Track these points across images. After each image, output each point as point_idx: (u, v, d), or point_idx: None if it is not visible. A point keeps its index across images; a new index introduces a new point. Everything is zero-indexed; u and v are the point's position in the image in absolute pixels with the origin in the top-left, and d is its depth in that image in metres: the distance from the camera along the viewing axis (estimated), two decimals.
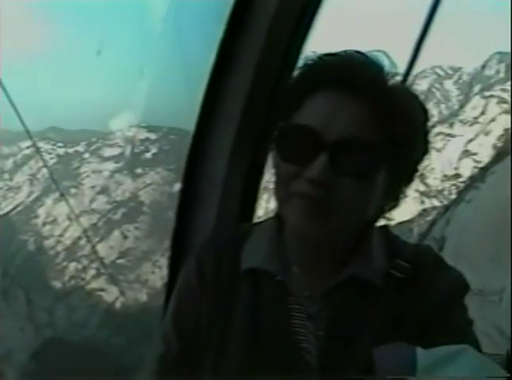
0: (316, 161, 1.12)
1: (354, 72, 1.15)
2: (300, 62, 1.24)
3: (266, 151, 1.77)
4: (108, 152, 47.78)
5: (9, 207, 46.08)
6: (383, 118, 1.14)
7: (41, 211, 45.70)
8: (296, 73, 1.24)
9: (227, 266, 1.29)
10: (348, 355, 1.16)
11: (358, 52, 1.19)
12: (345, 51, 1.20)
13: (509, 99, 35.39)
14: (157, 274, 41.16)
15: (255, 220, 1.91)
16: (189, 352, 1.30)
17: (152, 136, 46.99)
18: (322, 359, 1.19)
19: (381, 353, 1.10)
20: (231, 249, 1.30)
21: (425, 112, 1.21)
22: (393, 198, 1.25)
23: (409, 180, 1.25)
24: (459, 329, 1.17)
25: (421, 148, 1.21)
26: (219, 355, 1.24)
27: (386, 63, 1.23)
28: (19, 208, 46.16)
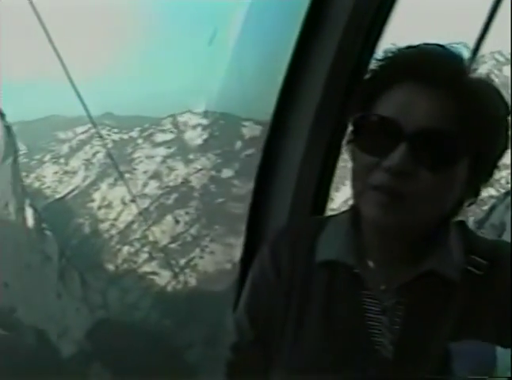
0: (395, 151, 1.12)
1: (434, 65, 1.14)
2: (379, 54, 1.24)
3: (340, 144, 1.78)
4: (160, 138, 48.29)
5: (65, 191, 47.19)
6: (462, 110, 1.13)
7: (96, 195, 46.63)
8: (375, 65, 1.23)
9: (302, 256, 1.29)
10: (424, 351, 1.16)
11: (438, 45, 1.18)
12: (424, 44, 1.19)
13: None
14: (206, 259, 41.57)
15: (327, 212, 1.91)
16: (263, 341, 1.31)
17: (204, 122, 47.26)
18: (397, 354, 1.19)
19: (460, 350, 1.11)
20: (306, 240, 1.31)
21: (506, 106, 1.19)
22: (472, 193, 1.24)
23: (488, 176, 1.23)
24: None
25: (501, 143, 1.19)
26: (293, 344, 1.25)
27: (466, 55, 1.22)
28: (75, 192, 47.25)
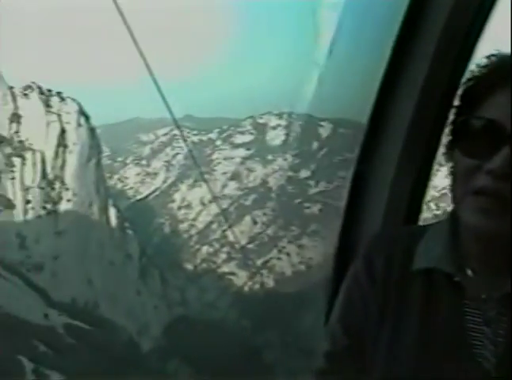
0: (498, 154, 1.06)
1: None
2: (481, 60, 1.18)
3: (436, 152, 1.70)
4: (239, 139, 48.97)
5: (147, 192, 48.67)
6: None
7: (176, 196, 47.84)
8: (477, 70, 1.18)
9: (398, 265, 1.24)
10: None
11: None
12: None
13: None
14: (283, 260, 41.74)
15: (420, 222, 1.84)
16: (356, 350, 1.27)
17: (282, 122, 47.54)
18: (500, 367, 1.12)
19: None
20: (402, 247, 1.25)
21: None
22: None
23: None
24: None
25: None
26: (389, 354, 1.20)
27: None
28: (156, 193, 48.65)
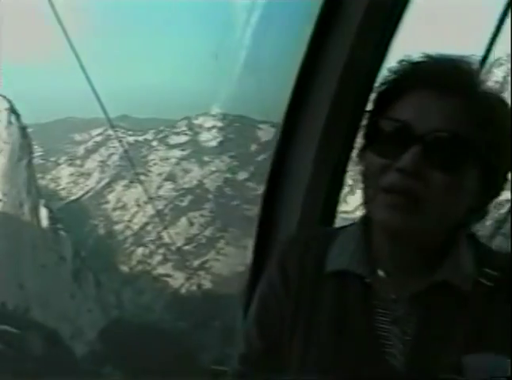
0: (408, 152, 1.12)
1: (447, 74, 1.15)
2: (394, 63, 1.24)
3: (350, 153, 1.76)
4: (174, 140, 48.49)
5: (81, 192, 47.52)
6: (473, 119, 1.13)
7: (111, 197, 46.91)
8: (389, 73, 1.24)
9: (312, 267, 1.28)
10: (435, 362, 1.14)
11: (450, 55, 1.19)
12: (437, 54, 1.20)
13: None
14: (222, 261, 41.62)
15: (336, 222, 1.89)
16: (272, 353, 1.31)
17: (218, 124, 47.39)
18: (408, 365, 1.17)
19: (472, 362, 1.08)
20: (316, 252, 1.29)
21: None
22: (481, 204, 1.22)
23: (498, 189, 1.22)
24: None
25: (508, 156, 1.19)
26: (303, 355, 1.24)
27: (477, 67, 1.22)
28: (90, 194, 47.57)
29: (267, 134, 43.37)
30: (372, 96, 1.22)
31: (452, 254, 1.17)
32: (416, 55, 1.22)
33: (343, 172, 1.85)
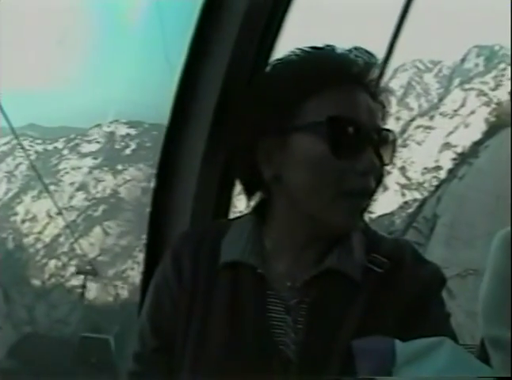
0: (365, 153, 1.14)
1: (365, 68, 1.19)
2: (298, 57, 1.24)
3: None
4: (86, 148, 47.47)
5: None
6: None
7: (20, 209, 45.30)
8: (293, 71, 1.23)
9: (205, 260, 1.27)
10: (327, 349, 1.15)
11: (361, 48, 1.25)
12: (354, 48, 1.22)
13: (488, 91, 35.84)
14: (136, 270, 41.01)
15: (230, 216, 1.88)
16: (166, 350, 1.28)
17: (132, 132, 46.79)
18: (300, 354, 1.17)
19: (360, 346, 1.11)
20: (209, 243, 1.29)
21: None
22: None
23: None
24: (437, 322, 1.18)
25: None
26: (197, 348, 1.22)
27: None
28: None
29: None
30: (270, 97, 1.21)
31: (342, 241, 1.20)
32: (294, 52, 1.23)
33: None
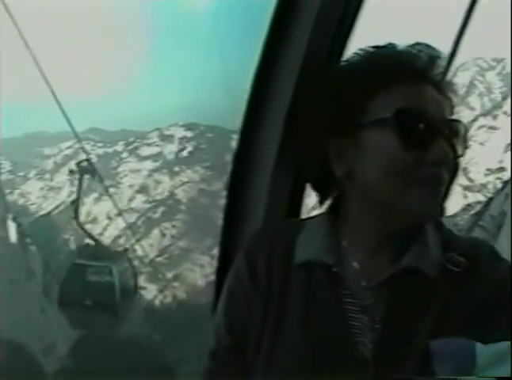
0: (436, 144, 1.14)
1: (429, 62, 1.20)
2: (364, 57, 1.26)
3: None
4: (146, 151, 48.25)
5: (51, 207, 46.91)
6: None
7: (82, 210, 46.43)
8: (362, 68, 1.25)
9: (280, 259, 1.28)
10: (404, 349, 1.15)
11: (421, 44, 1.26)
12: (421, 44, 1.23)
13: None
14: (196, 271, 41.41)
15: (302, 215, 1.88)
16: (240, 348, 1.30)
17: (189, 134, 47.30)
18: (377, 353, 1.17)
19: (439, 347, 1.10)
20: (283, 243, 1.30)
21: None
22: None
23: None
24: None
25: None
26: (273, 349, 1.24)
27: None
28: (60, 208, 46.97)
29: None
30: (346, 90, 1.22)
31: (419, 240, 1.20)
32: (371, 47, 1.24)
33: None
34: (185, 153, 46.38)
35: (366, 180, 1.19)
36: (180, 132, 47.77)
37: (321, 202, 1.30)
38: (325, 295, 1.24)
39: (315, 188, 1.30)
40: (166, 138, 48.12)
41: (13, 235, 37.92)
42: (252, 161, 1.81)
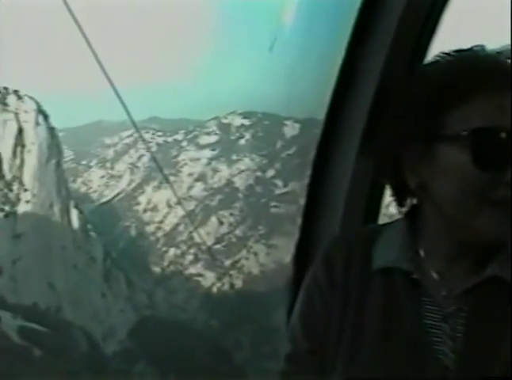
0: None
1: (504, 72, 1.12)
2: (446, 63, 1.15)
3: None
4: (204, 140, 49.07)
5: (112, 195, 48.39)
6: None
7: (142, 198, 47.68)
8: (439, 80, 1.16)
9: (357, 265, 1.25)
10: (487, 358, 1.11)
11: (494, 51, 1.14)
12: (479, 50, 1.15)
13: None
14: (251, 260, 42.00)
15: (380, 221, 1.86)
16: (318, 352, 1.26)
17: (246, 122, 47.79)
18: (460, 362, 1.12)
19: None
20: (361, 249, 1.26)
21: None
22: None
23: None
24: None
25: None
26: (350, 354, 1.20)
27: None
28: (121, 195, 48.40)
29: (292, 130, 43.78)
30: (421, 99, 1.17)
31: (502, 250, 1.16)
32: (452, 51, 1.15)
33: None
34: (242, 142, 46.88)
35: (439, 195, 1.15)
36: (238, 120, 48.27)
37: (398, 206, 1.24)
38: (404, 302, 1.19)
39: (392, 194, 1.24)
40: (224, 127, 48.74)
41: (75, 221, 39.34)
42: (332, 164, 1.82)
